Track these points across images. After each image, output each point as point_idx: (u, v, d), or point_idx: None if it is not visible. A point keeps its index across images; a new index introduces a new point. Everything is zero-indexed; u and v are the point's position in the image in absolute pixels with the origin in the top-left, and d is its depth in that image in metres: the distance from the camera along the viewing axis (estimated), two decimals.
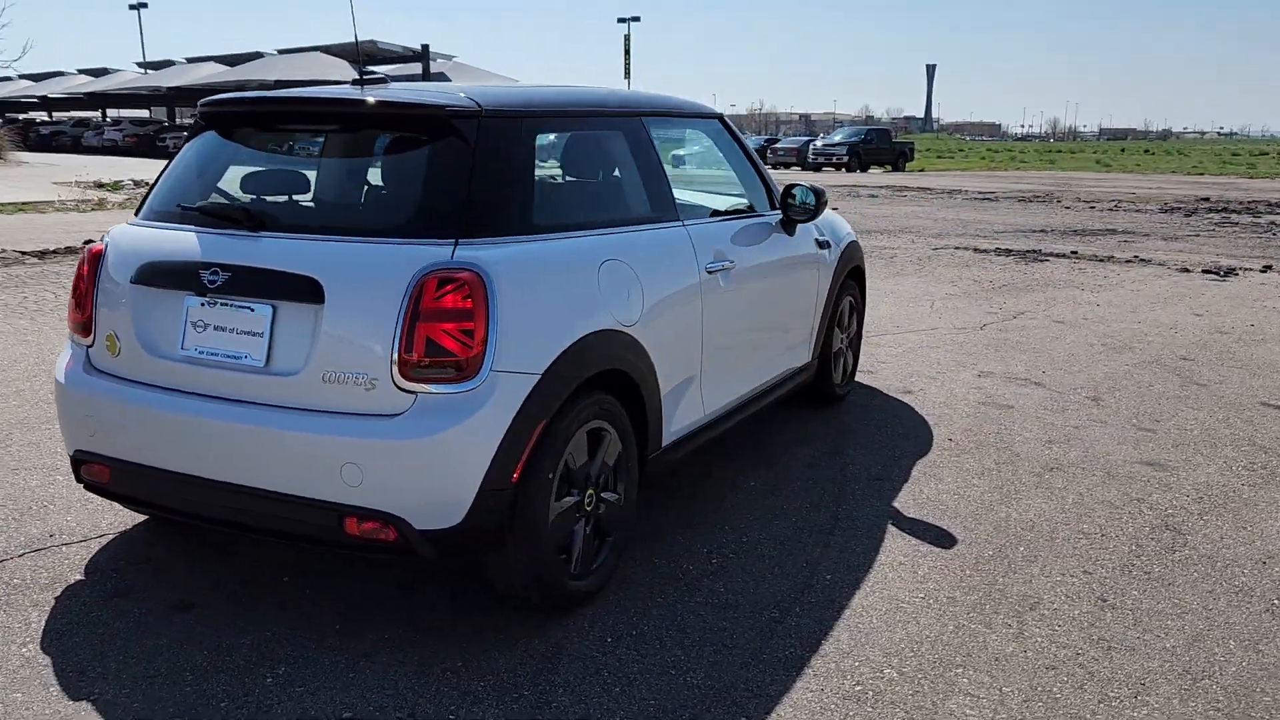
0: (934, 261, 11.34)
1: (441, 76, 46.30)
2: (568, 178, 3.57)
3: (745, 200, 4.52)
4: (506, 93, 3.29)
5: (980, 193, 24.37)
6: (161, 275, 3.09)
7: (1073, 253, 12.18)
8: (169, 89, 46.48)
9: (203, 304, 3.01)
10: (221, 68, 46.51)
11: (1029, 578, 3.44)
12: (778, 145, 43.72)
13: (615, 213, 3.54)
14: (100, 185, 23.10)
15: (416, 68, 45.10)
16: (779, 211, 4.52)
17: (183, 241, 3.10)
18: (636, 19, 54.63)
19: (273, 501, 2.86)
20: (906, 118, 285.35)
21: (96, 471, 3.19)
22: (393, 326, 2.75)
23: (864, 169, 38.63)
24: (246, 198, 3.17)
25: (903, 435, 4.98)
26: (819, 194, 4.47)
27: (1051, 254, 12.04)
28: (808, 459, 4.63)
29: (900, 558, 3.58)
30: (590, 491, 3.17)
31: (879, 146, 40.62)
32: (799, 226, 4.67)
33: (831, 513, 3.99)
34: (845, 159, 38.28)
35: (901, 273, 10.46)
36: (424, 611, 3.15)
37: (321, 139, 3.36)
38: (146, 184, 21.92)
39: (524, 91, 3.39)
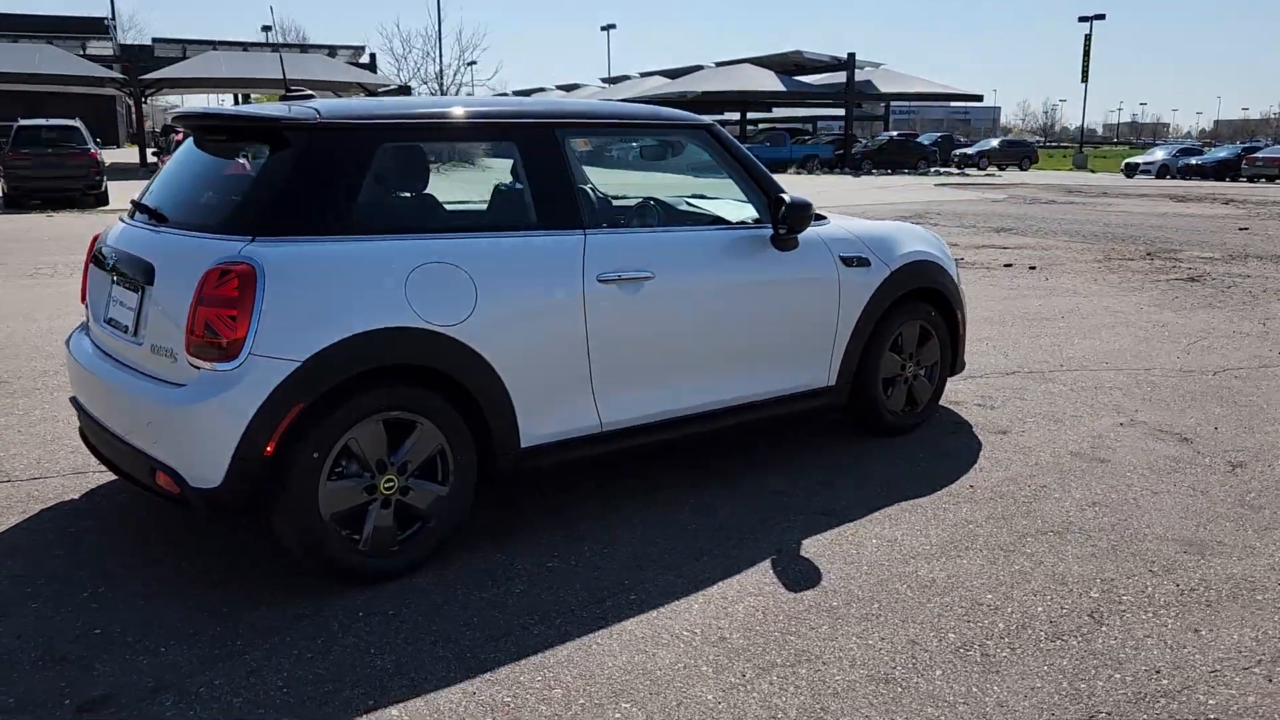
0: None
1: (867, 85, 46.22)
2: (409, 185, 3.74)
3: (736, 213, 4.40)
4: (362, 106, 3.58)
5: None
6: (98, 257, 3.78)
7: None
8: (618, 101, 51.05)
9: (113, 281, 3.64)
10: (664, 80, 50.02)
11: None
12: (1257, 155, 38.25)
13: (465, 219, 3.68)
14: None
15: (843, 76, 45.40)
16: (770, 226, 4.32)
17: (120, 232, 3.77)
18: (1100, 17, 50.72)
19: (125, 451, 3.40)
20: None
21: (77, 412, 3.94)
22: (187, 308, 3.16)
23: None
24: (158, 197, 3.75)
25: (923, 474, 4.51)
26: (795, 207, 4.20)
27: None
28: (779, 486, 4.37)
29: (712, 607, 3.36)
30: (390, 477, 3.36)
31: None
32: (808, 241, 4.42)
33: (727, 541, 3.79)
34: None
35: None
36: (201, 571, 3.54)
37: (211, 147, 3.84)
38: None
39: (391, 104, 3.65)
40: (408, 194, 3.68)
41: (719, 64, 49.00)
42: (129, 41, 51.57)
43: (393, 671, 2.88)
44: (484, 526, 3.88)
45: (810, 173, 39.49)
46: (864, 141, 45.69)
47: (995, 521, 3.98)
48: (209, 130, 3.77)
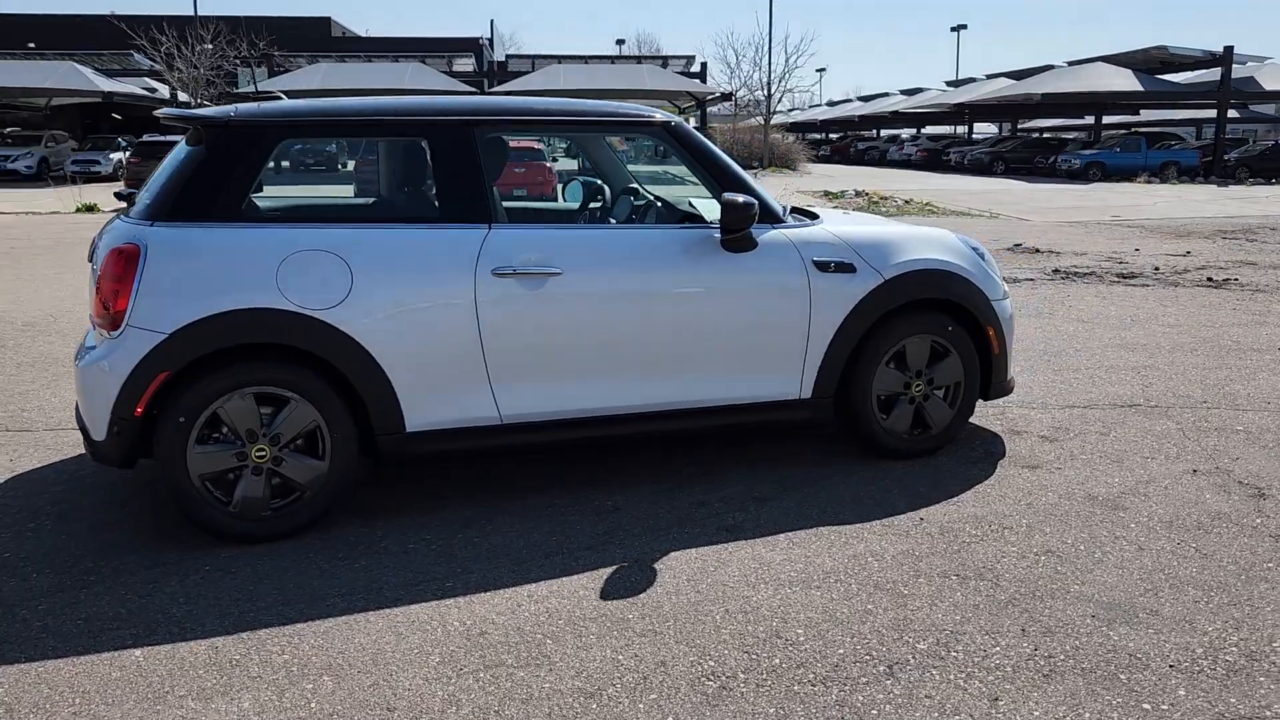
0: None
1: (1248, 82, 41.12)
2: (309, 178, 3.96)
3: (689, 210, 4.29)
4: (279, 106, 3.89)
5: None
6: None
7: None
8: (956, 105, 48.81)
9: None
10: (1008, 82, 47.30)
11: None
12: None
13: (361, 212, 3.87)
14: (827, 195, 25.59)
15: (1217, 73, 40.70)
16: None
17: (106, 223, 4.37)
18: None
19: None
20: None
21: None
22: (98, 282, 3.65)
23: None
24: (143, 190, 4.27)
25: (885, 501, 4.13)
26: (730, 207, 4.00)
27: None
28: (706, 497, 4.19)
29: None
30: (261, 448, 3.65)
31: None
32: (772, 243, 4.21)
33: (594, 544, 3.72)
34: None
35: None
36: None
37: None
38: (872, 194, 23.99)
39: (308, 104, 3.93)
40: (306, 186, 3.95)
41: (1070, 63, 45.58)
42: (504, 57, 56.81)
43: (179, 618, 3.16)
44: (391, 503, 4.09)
45: (1165, 181, 35.73)
46: (1242, 147, 40.58)
47: (906, 558, 3.60)
48: (178, 129, 4.26)
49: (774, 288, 4.25)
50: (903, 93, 63.66)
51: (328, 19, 56.28)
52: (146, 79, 40.47)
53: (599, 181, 5.26)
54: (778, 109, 45.42)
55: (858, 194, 25.13)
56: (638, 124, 4.28)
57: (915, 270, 4.48)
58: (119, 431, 3.54)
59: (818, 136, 70.67)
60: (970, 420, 5.14)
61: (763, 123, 41.91)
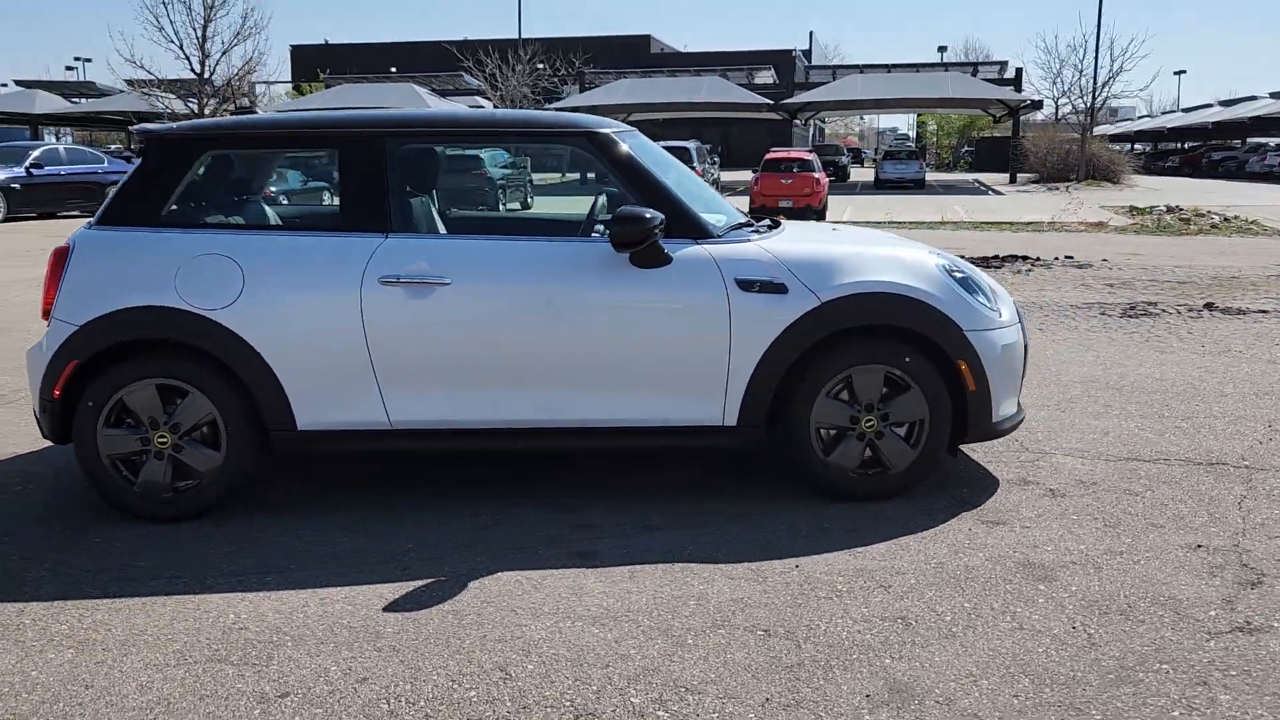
0: None
1: None
2: (223, 187, 4.17)
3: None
4: (213, 121, 4.19)
5: None
6: None
7: None
8: None
9: None
10: None
11: None
12: None
13: (261, 218, 4.07)
14: (1133, 210, 23.46)
15: None
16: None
17: None
18: None
19: None
20: None
21: None
22: None
23: None
24: None
25: (780, 544, 3.79)
26: (619, 219, 3.83)
27: None
28: (602, 519, 4.03)
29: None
30: (163, 435, 3.97)
31: None
32: (691, 259, 4.01)
33: (449, 553, 3.70)
34: None
35: None
36: None
37: None
38: (1182, 210, 21.71)
39: (231, 120, 4.19)
40: (220, 194, 4.22)
41: None
42: (822, 65, 56.59)
43: (47, 579, 3.52)
44: (308, 497, 4.28)
45: None
46: None
47: (732, 606, 3.30)
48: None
49: (688, 306, 4.02)
50: (1271, 95, 56.75)
51: (647, 37, 58.68)
52: (476, 97, 44.20)
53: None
54: (1103, 117, 41.85)
55: (1169, 210, 22.68)
56: (555, 134, 4.21)
57: (859, 293, 4.07)
58: (45, 410, 3.99)
59: (1170, 146, 64.47)
60: (981, 460, 4.61)
61: (1080, 132, 38.74)
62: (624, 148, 4.16)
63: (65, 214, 20.77)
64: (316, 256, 3.98)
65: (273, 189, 4.38)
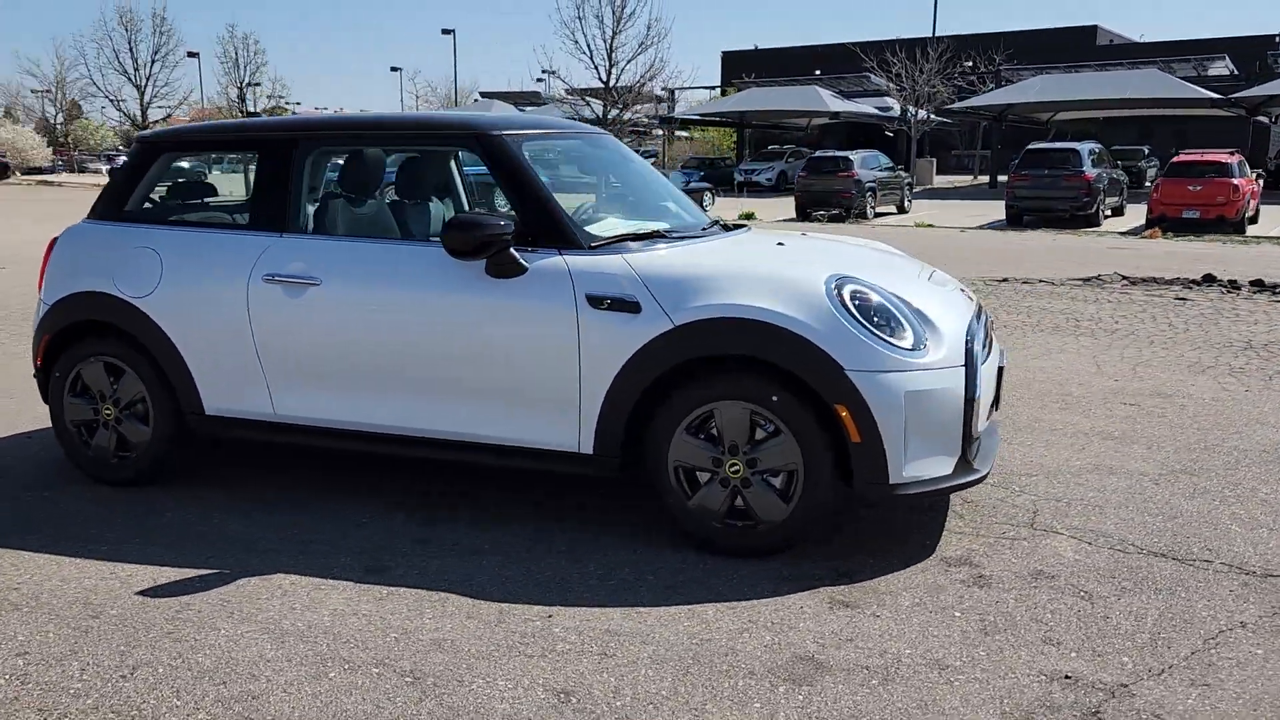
0: None
1: None
2: (174, 188, 4.45)
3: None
4: (173, 128, 4.57)
5: None
6: None
7: None
8: None
9: None
10: None
11: None
12: None
13: (186, 214, 4.36)
14: None
15: None
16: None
17: None
18: None
19: None
20: None
21: None
22: None
23: None
24: None
25: (575, 591, 3.42)
26: (448, 225, 3.64)
27: None
28: (430, 538, 3.86)
29: None
30: (108, 408, 4.44)
31: None
32: (545, 269, 3.75)
33: (280, 547, 3.77)
34: None
35: None
36: None
37: None
38: None
39: (195, 125, 4.52)
40: (168, 193, 4.56)
41: None
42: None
43: None
44: (227, 475, 4.56)
45: None
46: None
47: (412, 642, 3.06)
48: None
49: (538, 320, 3.75)
50: None
51: (1094, 27, 53.75)
52: (885, 98, 43.25)
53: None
54: None
55: None
56: (444, 136, 4.10)
57: (714, 318, 3.54)
58: (36, 376, 4.62)
59: None
60: (954, 527, 3.88)
61: None
62: (509, 151, 3.96)
63: None
64: (219, 253, 4.22)
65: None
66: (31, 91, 44.56)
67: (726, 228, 4.51)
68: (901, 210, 27.15)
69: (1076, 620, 3.20)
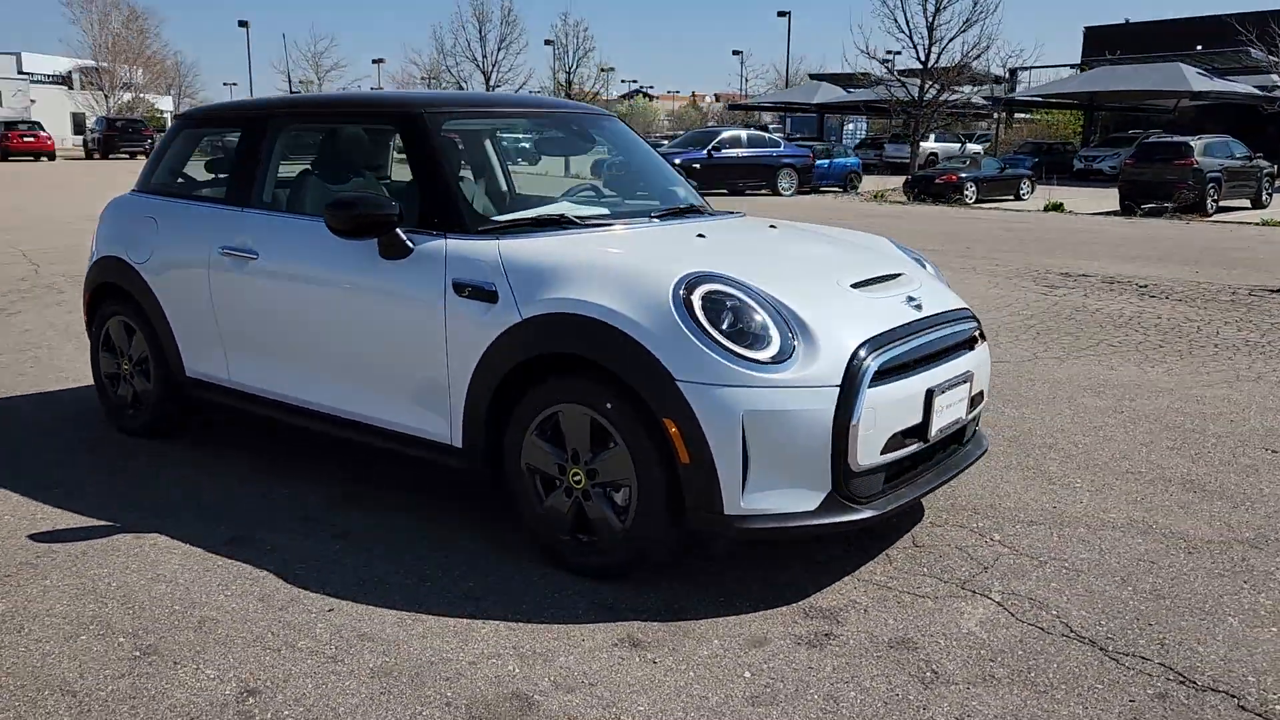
0: None
1: None
2: (181, 160, 4.66)
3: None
4: (203, 107, 4.82)
5: None
6: None
7: None
8: None
9: None
10: None
11: None
12: None
13: (195, 188, 4.61)
14: None
15: None
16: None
17: None
18: None
19: None
20: None
21: None
22: None
23: None
24: None
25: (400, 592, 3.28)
26: (337, 206, 3.54)
27: None
28: (319, 516, 3.83)
29: None
30: (125, 364, 4.84)
31: None
32: (424, 252, 3.61)
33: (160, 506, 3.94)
34: None
35: None
36: None
37: None
38: None
39: (215, 105, 4.76)
40: (205, 168, 4.81)
41: None
42: None
43: None
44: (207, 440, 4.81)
45: None
46: None
47: (171, 607, 3.06)
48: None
49: (411, 304, 3.61)
50: None
51: None
52: (1273, 75, 37.81)
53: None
54: None
55: None
56: (372, 114, 4.05)
57: (553, 312, 3.24)
58: (88, 330, 5.11)
59: None
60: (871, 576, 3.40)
61: None
62: (417, 131, 3.82)
63: (749, 192, 23.38)
64: (197, 225, 4.41)
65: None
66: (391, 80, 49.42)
67: (685, 213, 4.15)
68: (1258, 204, 23.70)
69: (882, 705, 2.62)
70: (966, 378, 3.53)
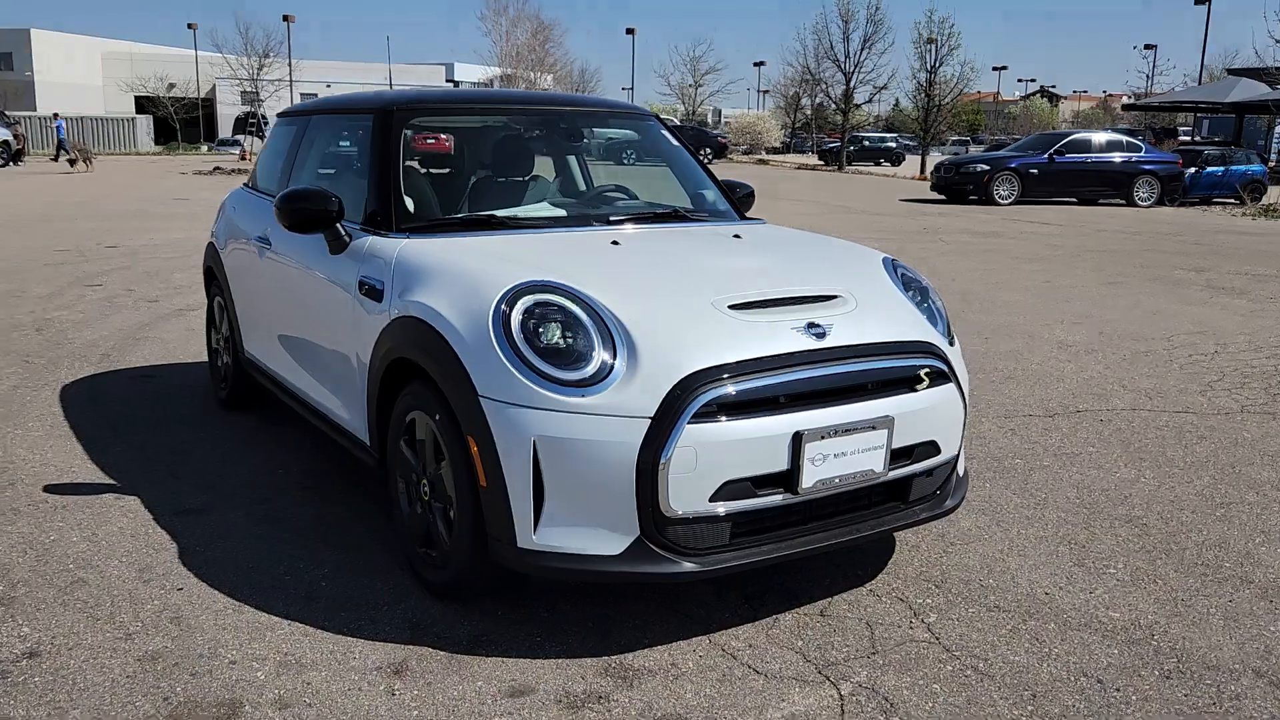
0: None
1: None
2: (270, 155, 4.97)
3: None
4: (297, 106, 5.13)
5: None
6: None
7: None
8: None
9: None
10: None
11: None
12: None
13: (253, 180, 4.93)
14: None
15: None
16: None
17: None
18: None
19: None
20: None
21: None
22: None
23: None
24: None
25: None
26: (284, 199, 3.61)
27: None
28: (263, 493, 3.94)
29: None
30: (218, 338, 5.31)
31: None
32: (355, 249, 3.63)
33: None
34: None
35: None
36: None
37: None
38: None
39: (302, 104, 5.03)
40: (266, 161, 5.12)
41: None
42: None
43: None
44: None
45: None
46: None
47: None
48: None
49: (334, 299, 3.66)
50: None
51: None
52: None
53: None
54: None
55: None
56: (357, 112, 4.09)
57: (406, 315, 3.13)
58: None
59: None
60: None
61: None
62: (377, 128, 3.83)
63: (1101, 202, 21.06)
64: (253, 215, 4.73)
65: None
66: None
67: (666, 218, 3.88)
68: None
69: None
70: (880, 424, 2.94)
